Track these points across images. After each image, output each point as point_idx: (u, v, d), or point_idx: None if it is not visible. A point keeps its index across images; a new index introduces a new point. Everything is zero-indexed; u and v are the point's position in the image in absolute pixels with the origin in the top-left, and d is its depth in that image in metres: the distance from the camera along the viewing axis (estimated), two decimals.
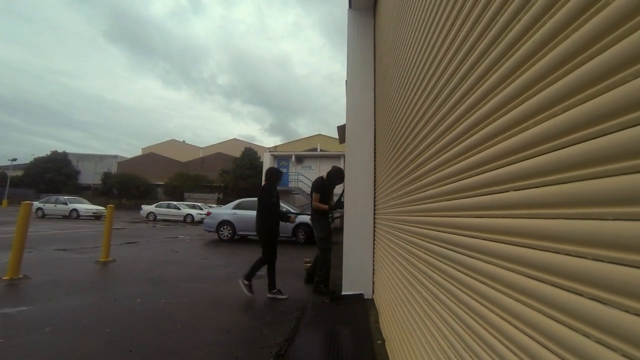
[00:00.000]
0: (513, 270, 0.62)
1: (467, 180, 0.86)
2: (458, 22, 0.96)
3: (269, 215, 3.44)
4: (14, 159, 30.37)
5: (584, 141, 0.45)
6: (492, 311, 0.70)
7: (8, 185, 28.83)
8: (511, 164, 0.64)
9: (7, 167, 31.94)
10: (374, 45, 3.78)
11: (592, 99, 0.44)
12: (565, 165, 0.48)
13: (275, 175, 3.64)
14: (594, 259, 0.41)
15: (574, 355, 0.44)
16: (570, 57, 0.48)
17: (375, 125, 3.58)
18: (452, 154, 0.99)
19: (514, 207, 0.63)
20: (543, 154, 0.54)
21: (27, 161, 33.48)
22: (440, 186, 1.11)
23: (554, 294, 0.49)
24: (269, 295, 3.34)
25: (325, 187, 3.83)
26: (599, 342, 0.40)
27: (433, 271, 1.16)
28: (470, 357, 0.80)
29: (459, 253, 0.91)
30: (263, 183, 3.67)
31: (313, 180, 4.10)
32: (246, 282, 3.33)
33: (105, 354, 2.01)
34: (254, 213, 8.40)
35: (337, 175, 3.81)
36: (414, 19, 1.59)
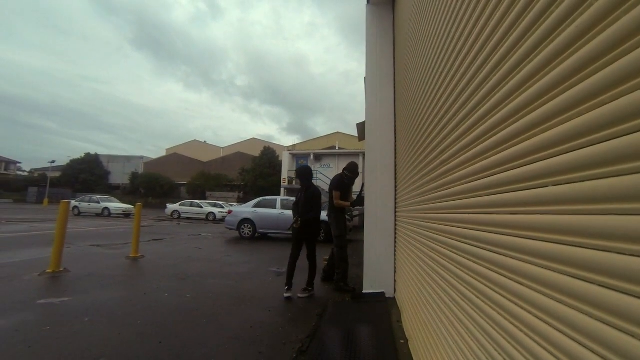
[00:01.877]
0: (550, 269, 0.59)
1: (500, 175, 0.82)
2: (485, 16, 0.93)
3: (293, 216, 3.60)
4: (53, 161, 32.72)
5: (633, 133, 0.42)
6: (525, 310, 0.67)
7: (48, 185, 31.09)
8: (549, 158, 0.61)
9: (47, 169, 34.43)
10: (394, 41, 3.70)
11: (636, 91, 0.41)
12: (612, 158, 0.45)
13: (300, 174, 3.65)
14: None
15: (619, 356, 0.41)
16: (601, 55, 0.46)
17: (395, 122, 3.52)
18: (482, 149, 0.95)
19: (554, 202, 0.59)
20: (585, 147, 0.51)
21: (64, 163, 35.92)
22: (469, 182, 1.07)
23: (601, 295, 0.46)
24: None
25: (345, 184, 3.82)
26: None
27: (460, 269, 1.12)
28: (502, 357, 0.77)
29: (490, 251, 0.87)
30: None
31: (332, 178, 4.10)
32: (309, 289, 3.43)
33: (138, 343, 2.12)
34: (273, 211, 8.71)
35: (352, 171, 3.81)
36: (436, 13, 1.54)
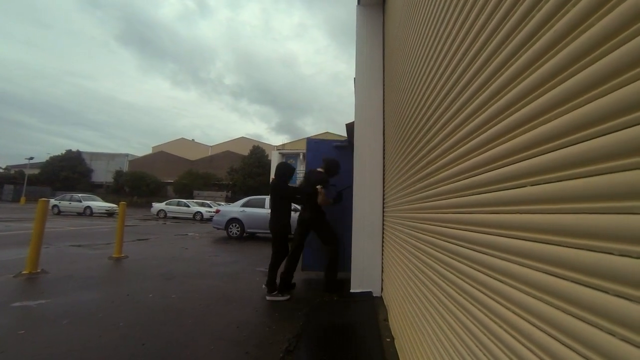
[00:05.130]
0: (531, 267, 0.61)
1: (482, 175, 0.84)
2: (470, 18, 0.95)
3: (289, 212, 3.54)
4: (31, 158, 31.33)
5: (609, 133, 0.43)
6: (507, 308, 0.69)
7: (26, 183, 29.80)
8: (529, 159, 0.62)
9: (24, 166, 32.97)
10: (383, 42, 3.74)
11: (614, 91, 0.43)
12: (589, 158, 0.47)
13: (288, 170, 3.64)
14: (620, 255, 0.40)
15: (597, 354, 0.43)
16: (589, 51, 0.47)
17: (384, 122, 3.55)
18: (466, 149, 0.97)
19: (533, 202, 0.61)
20: (564, 147, 0.53)
21: (44, 160, 34.50)
22: (454, 182, 1.09)
23: (574, 291, 0.48)
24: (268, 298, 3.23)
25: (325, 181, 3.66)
26: (624, 340, 0.39)
27: (445, 268, 1.14)
28: (485, 355, 0.79)
29: (473, 250, 0.89)
30: (274, 179, 3.57)
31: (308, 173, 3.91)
32: (274, 292, 3.25)
33: (119, 346, 2.06)
34: (262, 211, 8.68)
35: (334, 168, 3.71)
36: (425, 15, 1.57)
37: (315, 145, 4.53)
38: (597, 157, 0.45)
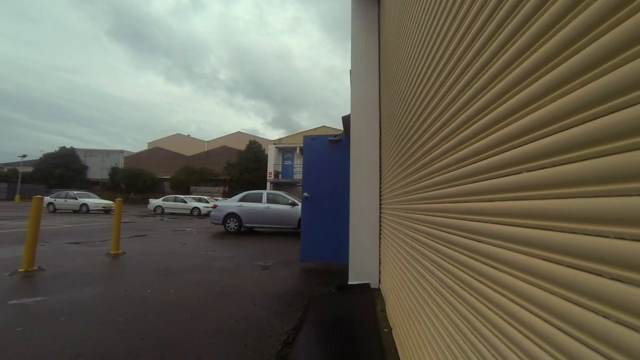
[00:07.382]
0: (527, 254, 0.60)
1: (479, 163, 0.84)
2: (464, 8, 0.93)
3: None
4: (24, 155, 30.88)
5: (603, 116, 0.43)
6: (503, 295, 0.69)
7: (19, 181, 29.47)
8: (524, 145, 0.62)
9: (17, 164, 32.58)
10: (379, 33, 3.69)
11: (604, 75, 0.42)
12: (583, 142, 0.46)
13: None
14: (616, 237, 0.40)
15: (593, 337, 0.43)
16: (578, 38, 0.47)
17: (380, 114, 3.53)
18: (461, 138, 0.96)
19: (528, 188, 0.61)
20: (558, 132, 0.52)
21: (37, 157, 34.07)
22: (449, 172, 1.08)
23: (570, 276, 0.48)
24: None
25: None
26: (619, 322, 0.39)
27: (441, 258, 1.15)
28: (480, 341, 0.79)
29: (470, 238, 0.89)
30: None
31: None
32: None
33: (118, 341, 2.07)
34: (259, 205, 8.66)
35: None
36: (420, 6, 1.54)
37: (312, 142, 4.63)
38: (590, 141, 0.45)
